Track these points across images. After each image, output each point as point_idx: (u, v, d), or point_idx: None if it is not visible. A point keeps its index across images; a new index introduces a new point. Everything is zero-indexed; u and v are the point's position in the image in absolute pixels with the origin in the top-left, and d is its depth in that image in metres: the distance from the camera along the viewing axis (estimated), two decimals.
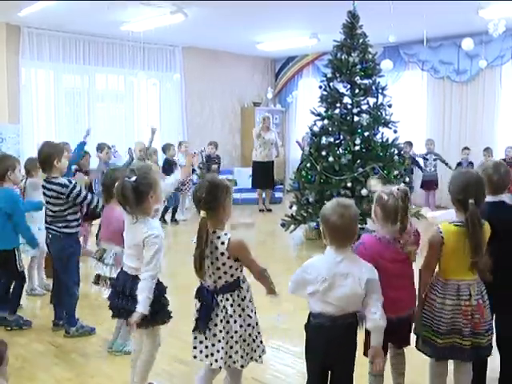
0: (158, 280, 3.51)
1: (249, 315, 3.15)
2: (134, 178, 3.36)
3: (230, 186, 3.18)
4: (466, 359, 3.27)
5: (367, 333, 3.15)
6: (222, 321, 3.09)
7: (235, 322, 3.08)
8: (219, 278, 3.09)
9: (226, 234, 3.07)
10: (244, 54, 14.88)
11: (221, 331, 3.09)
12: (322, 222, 2.98)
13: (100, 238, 4.80)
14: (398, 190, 3.11)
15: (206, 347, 3.15)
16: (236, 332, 3.08)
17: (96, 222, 6.52)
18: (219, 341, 3.09)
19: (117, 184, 3.42)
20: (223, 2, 9.14)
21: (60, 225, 4.74)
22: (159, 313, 3.52)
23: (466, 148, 11.19)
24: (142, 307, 3.30)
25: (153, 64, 13.25)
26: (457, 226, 3.20)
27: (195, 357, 3.21)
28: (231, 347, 3.09)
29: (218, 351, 3.09)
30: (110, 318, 3.80)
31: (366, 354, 3.21)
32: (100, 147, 8.87)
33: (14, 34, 10.97)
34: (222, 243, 3.04)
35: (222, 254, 3.04)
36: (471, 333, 3.18)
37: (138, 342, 3.71)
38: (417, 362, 3.46)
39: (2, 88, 10.91)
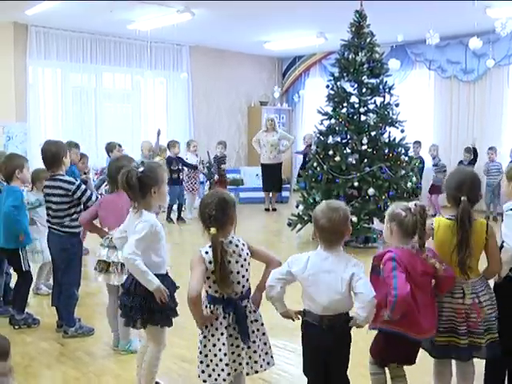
0: (166, 278, 3.51)
1: (260, 315, 3.21)
2: (141, 169, 3.39)
3: (235, 199, 3.20)
4: (464, 358, 3.27)
5: (382, 349, 3.22)
6: (252, 322, 3.10)
7: (262, 325, 3.16)
8: (247, 280, 3.11)
9: (238, 238, 3.11)
10: (251, 54, 14.88)
11: (253, 332, 3.10)
12: (313, 223, 3.04)
13: (108, 227, 4.66)
14: (415, 205, 3.12)
15: (234, 361, 3.07)
16: (264, 334, 3.16)
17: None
18: (249, 347, 3.07)
19: (122, 171, 3.43)
20: (230, 2, 9.15)
21: (63, 224, 4.72)
22: (157, 314, 3.45)
23: (469, 149, 11.15)
24: (151, 285, 3.33)
25: (160, 63, 13.27)
26: (448, 219, 3.23)
27: (219, 375, 3.02)
28: (262, 349, 3.13)
29: (251, 357, 3.09)
30: None
31: (372, 353, 3.25)
32: (110, 147, 8.85)
33: (21, 32, 11.02)
34: (244, 245, 3.09)
35: (248, 253, 3.10)
36: (468, 332, 3.16)
37: (145, 343, 3.71)
38: (422, 361, 3.44)
39: (10, 87, 10.96)
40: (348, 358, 3.05)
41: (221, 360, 3.02)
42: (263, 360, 3.12)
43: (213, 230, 2.97)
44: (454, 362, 3.39)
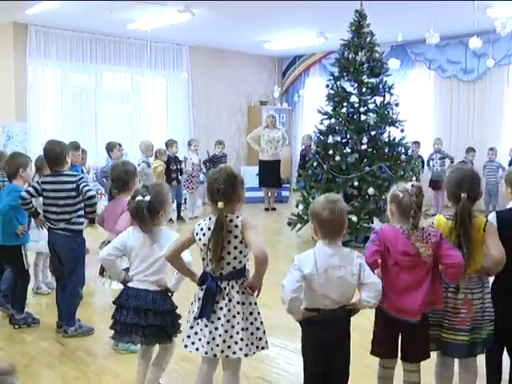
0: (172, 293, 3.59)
1: (251, 303, 3.12)
2: (148, 198, 3.43)
3: (243, 177, 3.22)
4: (445, 353, 3.29)
5: (374, 332, 3.23)
6: (222, 308, 3.05)
7: (238, 313, 3.05)
8: (228, 263, 3.05)
9: (237, 217, 3.06)
10: (251, 53, 14.87)
11: (219, 318, 3.05)
12: (312, 218, 3.02)
13: (108, 230, 4.66)
14: (412, 186, 3.13)
15: (200, 339, 3.10)
16: (238, 323, 3.04)
17: None
18: (216, 328, 3.05)
19: (131, 205, 3.49)
20: (230, 2, 9.14)
21: (70, 220, 4.70)
22: (175, 325, 3.55)
23: (472, 149, 11.15)
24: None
25: (160, 63, 13.26)
26: (448, 219, 3.24)
27: (186, 346, 3.16)
28: (231, 337, 3.04)
29: (214, 338, 3.05)
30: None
31: (372, 352, 3.25)
32: (110, 146, 8.84)
33: (21, 32, 11.01)
34: (236, 226, 3.03)
35: (236, 237, 3.03)
36: (452, 328, 3.18)
37: (142, 361, 3.70)
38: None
39: (10, 86, 10.95)
40: (349, 352, 3.05)
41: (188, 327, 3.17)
42: (217, 346, 3.05)
43: (220, 205, 2.98)
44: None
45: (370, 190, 8.02)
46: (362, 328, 3.16)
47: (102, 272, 4.54)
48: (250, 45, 13.73)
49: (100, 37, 12.13)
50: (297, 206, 8.88)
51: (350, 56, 8.58)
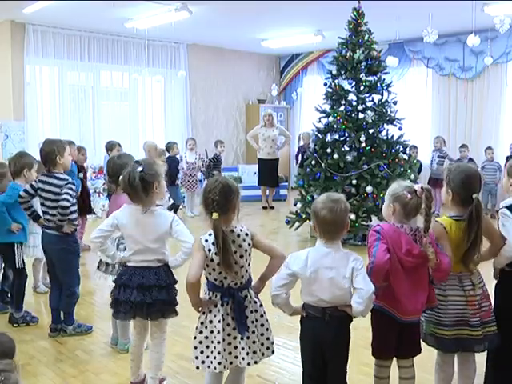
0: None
1: (261, 304, 3.20)
2: (140, 168, 3.42)
3: (239, 187, 3.19)
4: (476, 350, 3.27)
5: (374, 333, 3.21)
6: (252, 312, 3.11)
7: (262, 315, 3.16)
8: (246, 271, 3.11)
9: (242, 227, 3.11)
10: (249, 51, 14.87)
11: (253, 322, 3.10)
12: (313, 216, 3.02)
13: None
14: (421, 188, 3.08)
15: (230, 353, 3.06)
16: (262, 325, 3.15)
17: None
18: (253, 332, 3.10)
19: (123, 174, 3.48)
20: (228, 0, 9.15)
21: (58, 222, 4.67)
22: (176, 304, 3.62)
23: (464, 146, 11.16)
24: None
25: (157, 61, 13.23)
26: (456, 220, 3.23)
27: (224, 366, 3.07)
28: (262, 334, 3.15)
29: (255, 342, 3.11)
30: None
31: (375, 354, 3.25)
32: (110, 145, 8.82)
33: (18, 31, 10.97)
34: (247, 234, 3.08)
35: (250, 244, 3.09)
36: (480, 323, 3.19)
37: (139, 337, 3.75)
38: (421, 356, 3.42)
39: (7, 85, 10.93)
40: (346, 355, 3.02)
41: (215, 347, 3.04)
42: (259, 350, 3.12)
43: (215, 215, 2.97)
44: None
45: (368, 188, 8.02)
46: (359, 327, 3.15)
47: (98, 266, 4.51)
48: (247, 43, 13.72)
49: (98, 35, 12.10)
50: (295, 205, 8.87)
51: (348, 54, 8.57)
